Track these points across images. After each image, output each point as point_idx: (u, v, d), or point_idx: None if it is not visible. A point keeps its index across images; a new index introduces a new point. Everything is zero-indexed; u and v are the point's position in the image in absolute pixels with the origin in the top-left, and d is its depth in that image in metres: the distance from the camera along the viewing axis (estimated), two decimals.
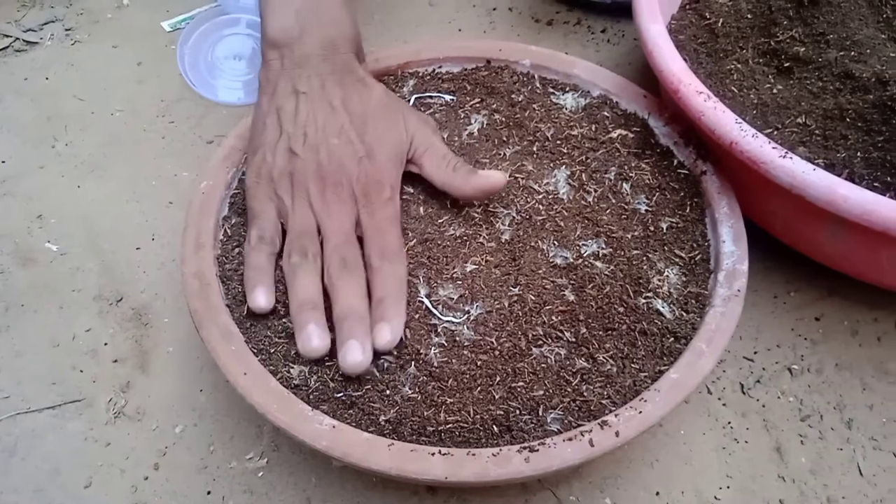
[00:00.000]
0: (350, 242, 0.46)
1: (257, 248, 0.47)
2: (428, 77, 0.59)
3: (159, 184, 0.64)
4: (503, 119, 0.56)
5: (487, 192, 0.48)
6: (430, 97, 0.58)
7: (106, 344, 0.54)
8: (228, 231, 0.50)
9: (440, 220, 0.49)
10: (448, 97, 0.57)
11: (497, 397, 0.42)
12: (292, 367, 0.43)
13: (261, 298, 0.45)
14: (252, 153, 0.49)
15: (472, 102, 0.57)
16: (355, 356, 0.42)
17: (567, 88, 0.58)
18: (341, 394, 0.42)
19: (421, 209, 0.50)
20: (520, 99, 0.57)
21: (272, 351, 0.44)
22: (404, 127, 0.50)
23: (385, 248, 0.45)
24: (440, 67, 0.60)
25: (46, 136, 0.67)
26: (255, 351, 0.44)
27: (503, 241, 0.48)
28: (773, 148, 0.46)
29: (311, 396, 0.42)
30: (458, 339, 0.44)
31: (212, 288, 0.46)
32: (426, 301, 0.46)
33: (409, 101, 0.57)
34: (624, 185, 0.51)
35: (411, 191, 0.51)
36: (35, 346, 0.54)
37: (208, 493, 0.48)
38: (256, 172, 0.48)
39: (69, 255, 0.59)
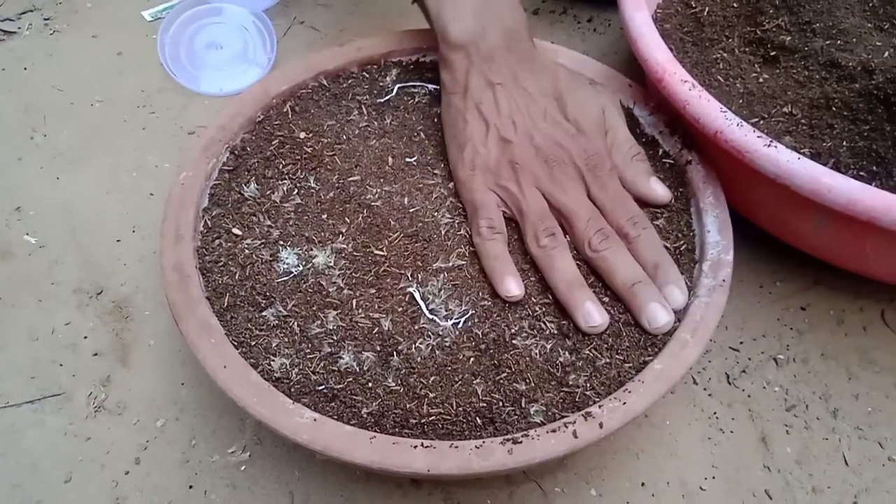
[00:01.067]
0: (599, 216, 0.47)
1: (492, 238, 0.47)
2: (411, 66, 0.58)
3: (140, 175, 0.63)
4: None
5: (647, 202, 0.49)
6: (414, 87, 0.57)
7: (86, 337, 0.54)
8: (209, 222, 0.49)
9: (425, 214, 0.49)
10: (432, 87, 0.57)
11: (480, 390, 0.42)
12: (273, 360, 0.43)
13: (513, 286, 0.45)
14: (459, 149, 0.50)
15: None
16: (663, 316, 0.43)
17: None
18: (323, 386, 0.42)
19: (405, 200, 0.50)
20: None
21: (253, 343, 0.44)
22: (597, 100, 0.51)
23: (634, 216, 0.47)
24: (424, 56, 0.59)
25: (25, 128, 0.66)
26: (236, 343, 0.43)
27: None
28: (758, 137, 0.45)
29: (292, 389, 0.42)
30: (441, 332, 0.44)
31: (191, 280, 0.45)
32: (415, 294, 0.45)
33: (392, 91, 0.56)
34: None
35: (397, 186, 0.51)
36: (14, 340, 0.53)
37: (190, 487, 0.47)
38: (471, 165, 0.49)
39: (48, 247, 0.58)
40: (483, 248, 0.46)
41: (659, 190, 0.49)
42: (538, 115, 0.49)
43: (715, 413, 0.50)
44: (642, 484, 0.47)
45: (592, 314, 0.43)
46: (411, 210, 0.49)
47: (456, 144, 0.50)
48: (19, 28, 0.74)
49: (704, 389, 0.51)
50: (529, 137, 0.48)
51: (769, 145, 0.45)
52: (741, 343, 0.53)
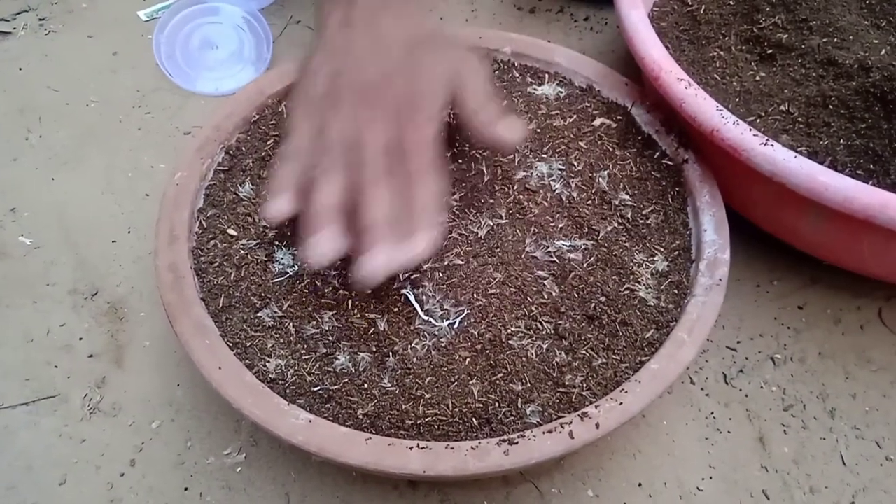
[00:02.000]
0: (387, 154, 0.44)
1: (286, 160, 0.45)
2: None
3: (135, 176, 0.63)
4: None
5: (497, 145, 0.47)
6: None
7: (81, 339, 0.53)
8: (204, 223, 0.49)
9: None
10: None
11: (476, 391, 0.42)
12: (268, 361, 0.43)
13: (282, 202, 0.43)
14: (297, 82, 0.48)
15: None
16: (376, 265, 0.40)
17: (548, 77, 0.57)
18: (318, 387, 0.42)
19: None
20: (500, 87, 0.56)
21: (248, 345, 0.43)
22: (454, 55, 0.48)
23: (422, 164, 0.44)
24: None
25: (20, 128, 0.66)
26: (231, 345, 0.43)
27: (484, 234, 0.48)
28: (755, 135, 0.45)
29: (287, 390, 0.42)
30: (437, 332, 0.44)
31: (186, 281, 0.45)
32: (409, 295, 0.45)
33: None
34: (606, 175, 0.51)
35: None
36: (8, 342, 0.53)
37: (185, 489, 0.47)
38: (298, 94, 0.47)
39: (43, 248, 0.58)
40: (277, 169, 0.45)
41: (507, 133, 0.46)
42: (379, 53, 0.46)
43: (712, 413, 0.50)
44: (639, 484, 0.47)
45: (320, 242, 0.41)
46: None
47: (297, 77, 0.49)
48: (14, 28, 0.74)
49: (702, 389, 0.51)
50: (360, 72, 0.46)
51: (765, 144, 0.45)
52: (738, 342, 0.53)
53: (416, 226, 0.41)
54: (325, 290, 0.45)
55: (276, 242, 0.48)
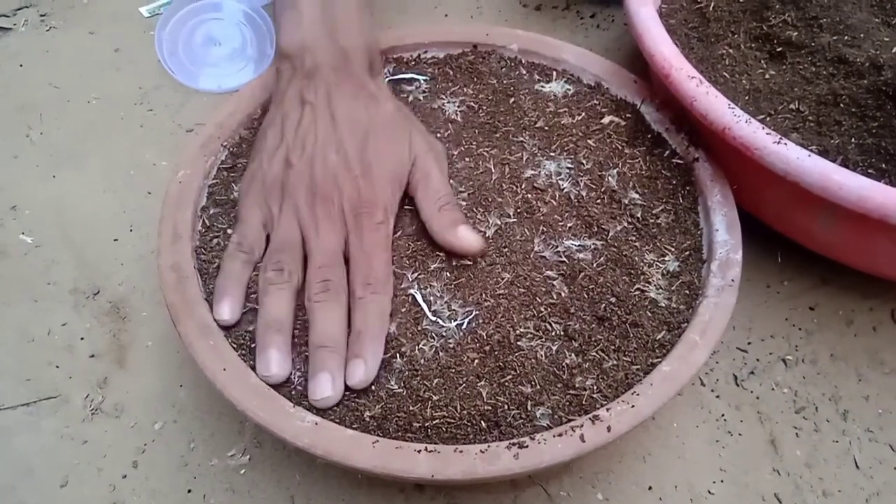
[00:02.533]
0: (335, 264, 0.44)
1: (233, 255, 0.45)
2: (412, 62, 0.58)
3: (137, 173, 0.62)
4: (489, 106, 0.54)
5: (458, 252, 0.45)
6: (407, 80, 0.56)
7: (82, 338, 0.53)
8: (207, 221, 0.48)
9: None
10: (423, 78, 0.56)
11: (485, 393, 0.41)
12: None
13: (224, 310, 0.43)
14: (251, 160, 0.48)
15: (453, 88, 0.56)
16: (325, 390, 0.40)
17: (555, 74, 0.57)
18: None
19: (407, 199, 0.49)
20: (507, 85, 0.55)
21: (253, 346, 0.43)
22: (408, 148, 0.48)
23: (370, 276, 0.43)
24: (425, 52, 0.58)
25: (20, 125, 0.65)
26: (235, 346, 0.42)
27: (491, 233, 0.47)
28: (767, 134, 0.45)
29: (292, 392, 0.41)
30: (445, 333, 0.43)
31: (189, 281, 0.44)
32: (416, 295, 0.44)
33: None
34: (615, 173, 0.50)
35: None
36: (8, 341, 0.53)
37: (189, 491, 0.46)
38: (250, 178, 0.47)
39: (44, 246, 0.57)
40: (222, 264, 0.45)
41: (469, 238, 0.45)
42: (331, 145, 0.46)
43: (723, 415, 0.49)
44: (649, 488, 0.46)
45: (270, 363, 0.41)
46: (412, 209, 0.48)
47: (252, 153, 0.49)
48: (15, 24, 0.73)
49: (712, 391, 0.50)
50: (311, 165, 0.45)
51: (778, 142, 0.44)
52: (749, 343, 0.52)
53: (358, 351, 0.41)
54: None
55: None
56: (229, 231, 0.48)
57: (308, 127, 0.47)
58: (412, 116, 0.52)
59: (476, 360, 0.42)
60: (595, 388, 0.41)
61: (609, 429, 0.38)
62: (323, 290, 0.43)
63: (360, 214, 0.45)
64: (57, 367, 0.51)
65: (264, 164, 0.46)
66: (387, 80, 0.55)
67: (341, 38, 0.49)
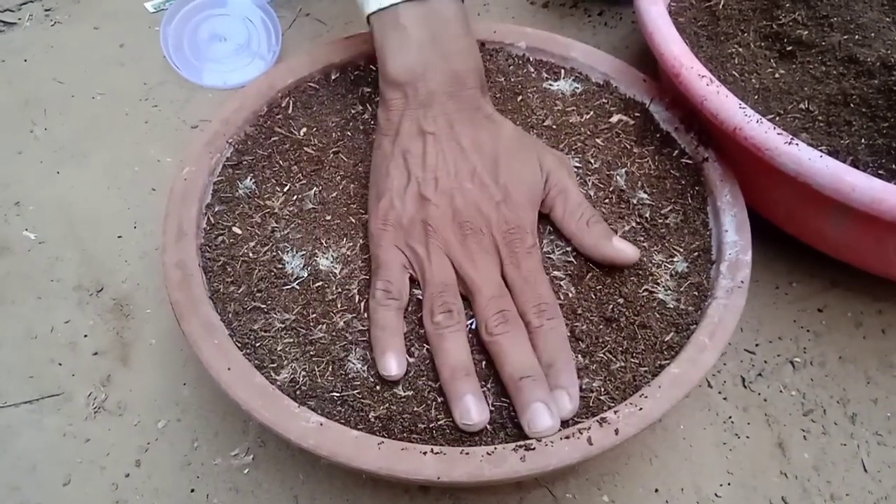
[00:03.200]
0: (505, 294, 0.42)
1: (385, 304, 0.42)
2: None
3: (141, 170, 0.62)
4: (496, 104, 0.54)
5: (615, 264, 0.45)
6: None
7: (86, 336, 0.52)
8: (212, 219, 0.48)
9: None
10: None
11: (490, 394, 0.41)
12: (278, 362, 0.42)
13: (392, 365, 0.41)
14: (377, 199, 0.46)
15: None
16: (545, 421, 0.38)
17: (563, 72, 0.56)
18: (329, 390, 0.41)
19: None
20: (515, 83, 0.55)
21: (257, 345, 0.42)
22: (539, 166, 0.46)
23: (540, 303, 0.42)
24: None
25: (24, 121, 0.65)
26: (240, 345, 0.42)
27: None
28: (779, 134, 0.44)
29: (297, 392, 0.41)
30: None
31: (194, 278, 0.44)
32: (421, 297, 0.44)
33: None
34: (623, 173, 0.50)
35: None
36: (12, 339, 0.52)
37: (192, 490, 0.46)
38: (384, 219, 0.45)
39: (48, 243, 0.57)
40: (374, 314, 0.42)
41: (627, 250, 0.44)
42: (465, 175, 0.45)
43: (730, 417, 0.49)
44: (656, 490, 0.46)
45: (471, 411, 0.39)
46: None
47: (375, 192, 0.46)
48: (19, 19, 0.73)
49: (719, 393, 0.50)
50: (450, 198, 0.44)
51: (790, 143, 0.44)
52: (757, 345, 0.52)
53: (558, 381, 0.40)
54: (336, 291, 0.44)
55: (285, 241, 0.47)
56: (235, 229, 0.47)
57: (436, 159, 0.45)
58: (530, 135, 0.50)
59: (482, 362, 0.42)
60: (602, 389, 0.41)
61: (617, 431, 0.38)
62: (502, 320, 0.41)
63: (513, 241, 0.43)
64: (60, 364, 0.51)
65: (396, 203, 0.44)
66: None
67: (454, 61, 0.46)
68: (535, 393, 0.39)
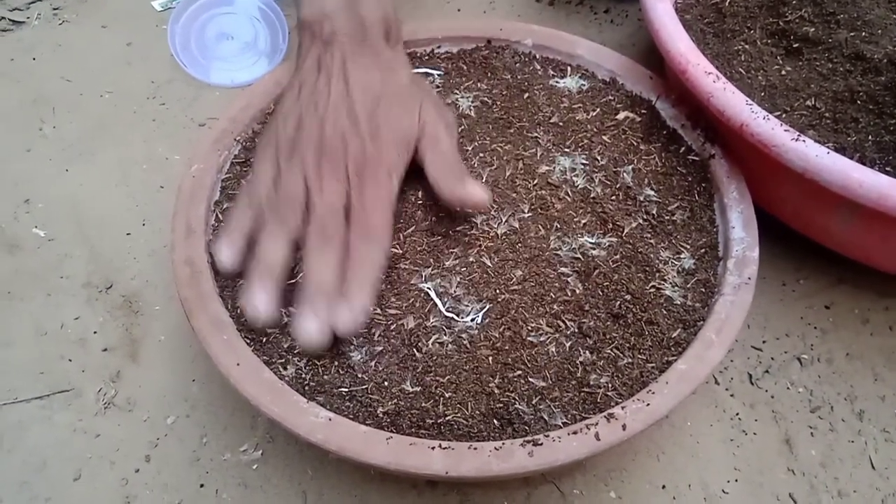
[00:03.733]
0: (334, 216, 0.44)
1: (240, 207, 0.45)
2: (426, 57, 0.57)
3: (150, 167, 0.62)
4: (503, 101, 0.54)
5: (465, 206, 0.46)
6: (418, 74, 0.56)
7: (95, 332, 0.53)
8: (220, 216, 0.48)
9: (441, 210, 0.48)
10: (436, 73, 0.55)
11: (497, 389, 0.41)
12: (286, 358, 0.42)
13: (224, 253, 0.44)
14: (269, 123, 0.49)
15: (467, 83, 0.55)
16: (308, 330, 0.40)
17: (570, 69, 0.56)
18: (337, 385, 0.41)
19: (419, 193, 0.48)
20: (521, 80, 0.55)
21: (265, 341, 0.43)
22: (418, 114, 0.48)
23: (367, 228, 0.44)
24: (438, 48, 0.58)
25: (33, 119, 0.65)
26: (249, 340, 0.42)
27: (505, 229, 0.47)
28: (786, 131, 0.44)
29: (306, 388, 0.41)
30: (457, 329, 0.43)
31: (203, 275, 0.44)
32: (430, 291, 0.44)
33: None
34: (630, 170, 0.50)
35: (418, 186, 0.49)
36: (22, 335, 0.53)
37: (201, 486, 0.46)
38: (267, 138, 0.48)
39: (57, 240, 0.57)
40: (229, 213, 0.46)
41: (477, 192, 0.45)
42: (342, 108, 0.47)
43: (737, 414, 0.49)
44: (663, 486, 0.46)
45: (254, 299, 0.41)
46: (426, 204, 0.48)
47: (271, 118, 0.50)
48: (28, 18, 0.73)
49: (726, 389, 0.50)
50: (321, 125, 0.46)
51: (797, 139, 0.44)
52: (764, 342, 0.52)
53: (345, 294, 0.42)
54: None
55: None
56: None
57: (322, 91, 0.47)
58: (428, 87, 0.52)
59: (489, 357, 0.42)
60: (610, 385, 0.41)
61: (624, 427, 0.38)
62: (319, 237, 0.43)
63: (363, 173, 0.45)
64: (70, 360, 0.51)
65: (279, 125, 0.47)
66: None
67: (362, 8, 0.49)
68: (312, 304, 0.41)
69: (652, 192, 0.49)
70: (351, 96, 0.47)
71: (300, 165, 0.45)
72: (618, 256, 0.46)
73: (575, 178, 0.49)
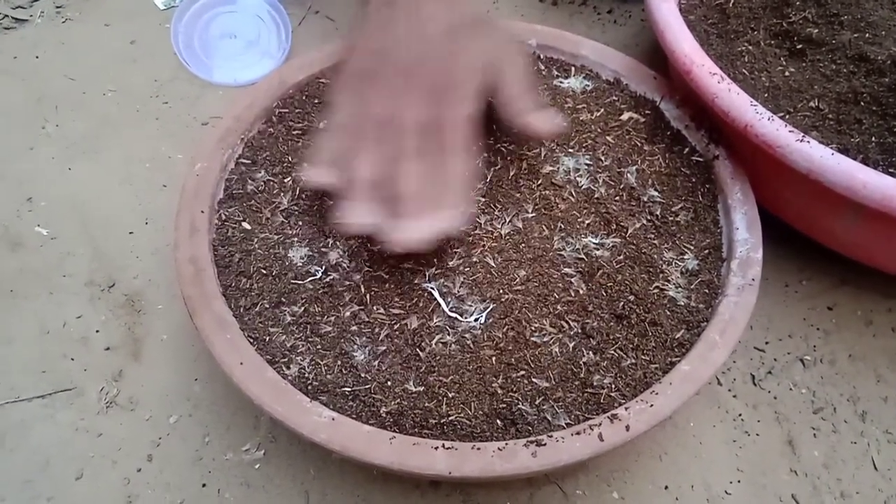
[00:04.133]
0: (420, 133, 0.45)
1: (326, 134, 0.47)
2: None
3: (153, 166, 0.62)
4: None
5: (532, 133, 0.48)
6: None
7: (98, 331, 0.53)
8: (224, 215, 0.48)
9: None
10: None
11: (501, 390, 0.41)
12: (290, 357, 0.42)
13: (315, 172, 0.45)
14: (342, 58, 0.49)
15: None
16: (408, 233, 0.42)
17: (574, 70, 0.56)
18: (340, 385, 0.41)
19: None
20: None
21: (268, 340, 0.42)
22: (494, 43, 0.49)
23: (449, 142, 0.45)
24: None
25: (36, 117, 0.65)
26: (252, 340, 0.42)
27: (509, 230, 0.47)
28: (790, 131, 0.44)
29: (309, 387, 0.41)
30: (461, 329, 0.43)
31: (206, 274, 0.44)
32: (434, 291, 0.44)
33: None
34: (634, 170, 0.50)
35: None
36: (24, 334, 0.52)
37: (203, 485, 0.46)
38: (342, 71, 0.48)
39: (60, 239, 0.57)
40: (316, 144, 0.47)
41: (540, 123, 0.47)
42: (417, 34, 0.47)
43: (740, 415, 0.49)
44: (665, 487, 0.46)
45: (352, 211, 0.43)
46: None
47: (344, 51, 0.50)
48: (31, 16, 0.73)
49: (729, 390, 0.50)
50: (399, 51, 0.47)
51: (802, 140, 0.44)
52: (767, 343, 0.52)
53: (445, 200, 0.43)
54: (347, 287, 0.44)
55: (297, 237, 0.47)
56: (245, 224, 0.47)
57: (397, 19, 0.48)
58: (494, 19, 0.53)
59: (492, 357, 0.42)
60: (613, 386, 0.41)
61: (627, 428, 0.38)
62: (409, 151, 0.44)
63: (449, 90, 0.46)
64: (72, 359, 0.51)
65: (354, 57, 0.48)
66: None
67: None
68: (407, 210, 0.43)
69: (656, 193, 0.49)
70: (423, 24, 0.47)
71: (383, 89, 0.46)
72: (621, 257, 0.46)
73: (579, 179, 0.49)
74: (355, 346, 0.42)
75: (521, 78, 0.48)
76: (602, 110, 0.53)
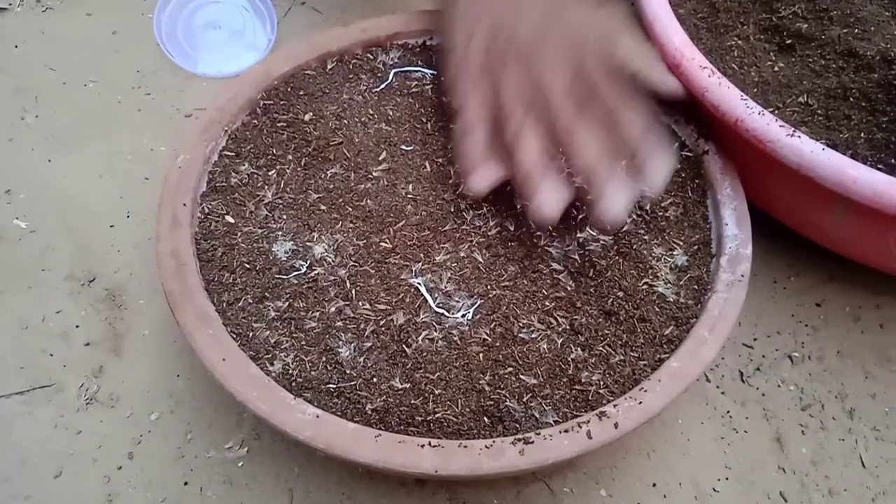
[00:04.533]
0: (575, 94, 0.44)
1: (465, 136, 0.45)
2: (417, 49, 0.57)
3: (134, 158, 0.61)
4: None
5: (665, 90, 0.46)
6: (412, 71, 0.55)
7: (78, 326, 0.52)
8: (206, 208, 0.47)
9: (432, 203, 0.47)
10: (430, 72, 0.55)
11: (488, 387, 0.40)
12: (273, 353, 0.41)
13: (479, 176, 0.44)
14: (450, 51, 0.48)
15: None
16: (617, 205, 0.41)
17: None
18: (325, 381, 0.40)
19: (409, 188, 0.48)
20: None
21: (251, 335, 0.42)
22: (598, 15, 0.48)
23: (607, 95, 0.43)
24: (430, 39, 0.57)
25: (16, 108, 0.64)
26: (235, 335, 0.42)
27: (497, 226, 0.46)
28: (781, 126, 0.44)
29: (293, 384, 0.40)
30: (447, 325, 0.42)
31: (189, 268, 0.43)
32: (420, 286, 0.43)
33: (388, 77, 0.54)
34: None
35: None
36: (2, 329, 0.51)
37: (185, 483, 0.46)
38: (456, 67, 0.47)
39: (39, 232, 0.56)
40: (458, 147, 0.46)
41: (670, 81, 0.47)
42: (526, 14, 0.47)
43: (728, 412, 0.48)
44: (653, 484, 0.46)
45: (547, 202, 0.41)
46: (416, 199, 0.47)
47: (448, 46, 0.49)
48: (10, 4, 0.72)
49: (717, 387, 0.49)
50: (515, 30, 0.46)
51: (792, 135, 0.43)
52: (755, 339, 0.52)
53: (641, 152, 0.42)
54: (332, 281, 0.44)
55: (280, 231, 0.46)
56: (229, 218, 0.47)
57: (500, 5, 0.47)
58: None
59: (480, 354, 0.41)
60: (602, 383, 0.41)
61: (616, 425, 0.38)
62: (574, 113, 0.43)
63: (585, 50, 0.44)
64: (51, 355, 0.50)
65: (465, 49, 0.47)
66: (393, 71, 0.54)
67: None
68: (608, 179, 0.41)
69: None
70: (528, 3, 0.47)
71: (516, 66, 0.45)
72: (610, 253, 0.45)
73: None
74: (340, 342, 0.42)
75: (637, 40, 0.47)
76: None
